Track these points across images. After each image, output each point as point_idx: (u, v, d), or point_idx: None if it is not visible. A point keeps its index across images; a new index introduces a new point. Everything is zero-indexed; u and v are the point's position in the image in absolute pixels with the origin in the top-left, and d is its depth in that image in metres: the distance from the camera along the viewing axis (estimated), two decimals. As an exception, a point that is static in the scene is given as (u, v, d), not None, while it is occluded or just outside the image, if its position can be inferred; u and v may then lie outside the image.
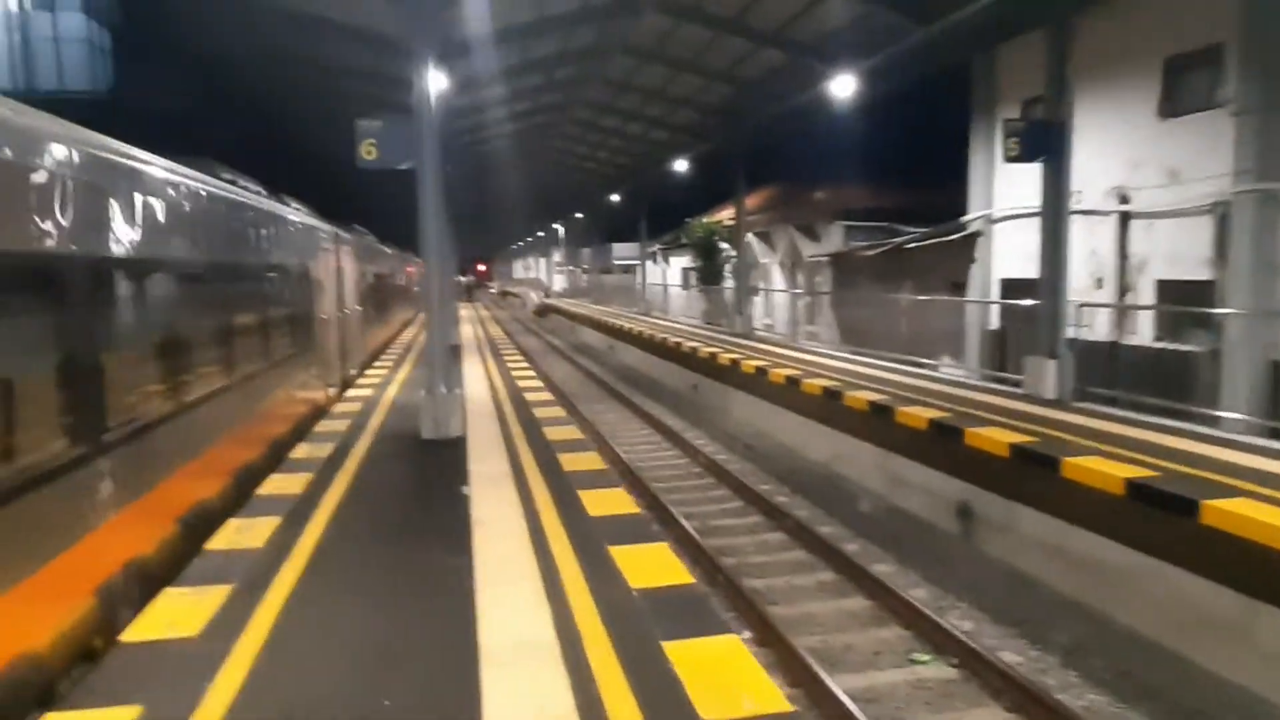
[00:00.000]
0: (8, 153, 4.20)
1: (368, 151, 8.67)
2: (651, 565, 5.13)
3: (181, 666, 3.94)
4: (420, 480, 7.68)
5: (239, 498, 7.08)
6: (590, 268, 58.79)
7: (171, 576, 5.20)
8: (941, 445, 9.59)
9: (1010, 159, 10.51)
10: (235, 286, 8.16)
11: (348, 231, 16.60)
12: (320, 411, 11.28)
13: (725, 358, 17.15)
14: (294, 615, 4.51)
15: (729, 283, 29.06)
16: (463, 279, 63.11)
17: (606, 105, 24.24)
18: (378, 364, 17.10)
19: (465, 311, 43.02)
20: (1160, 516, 6.70)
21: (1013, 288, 16.84)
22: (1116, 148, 14.14)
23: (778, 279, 29.32)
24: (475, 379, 14.85)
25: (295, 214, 11.66)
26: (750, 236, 26.46)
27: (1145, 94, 13.70)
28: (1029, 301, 12.20)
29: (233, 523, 6.15)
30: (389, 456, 8.50)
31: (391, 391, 12.96)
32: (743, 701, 3.52)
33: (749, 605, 7.67)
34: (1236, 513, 6.05)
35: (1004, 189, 17.28)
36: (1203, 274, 12.51)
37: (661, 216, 37.63)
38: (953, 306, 17.65)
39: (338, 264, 13.98)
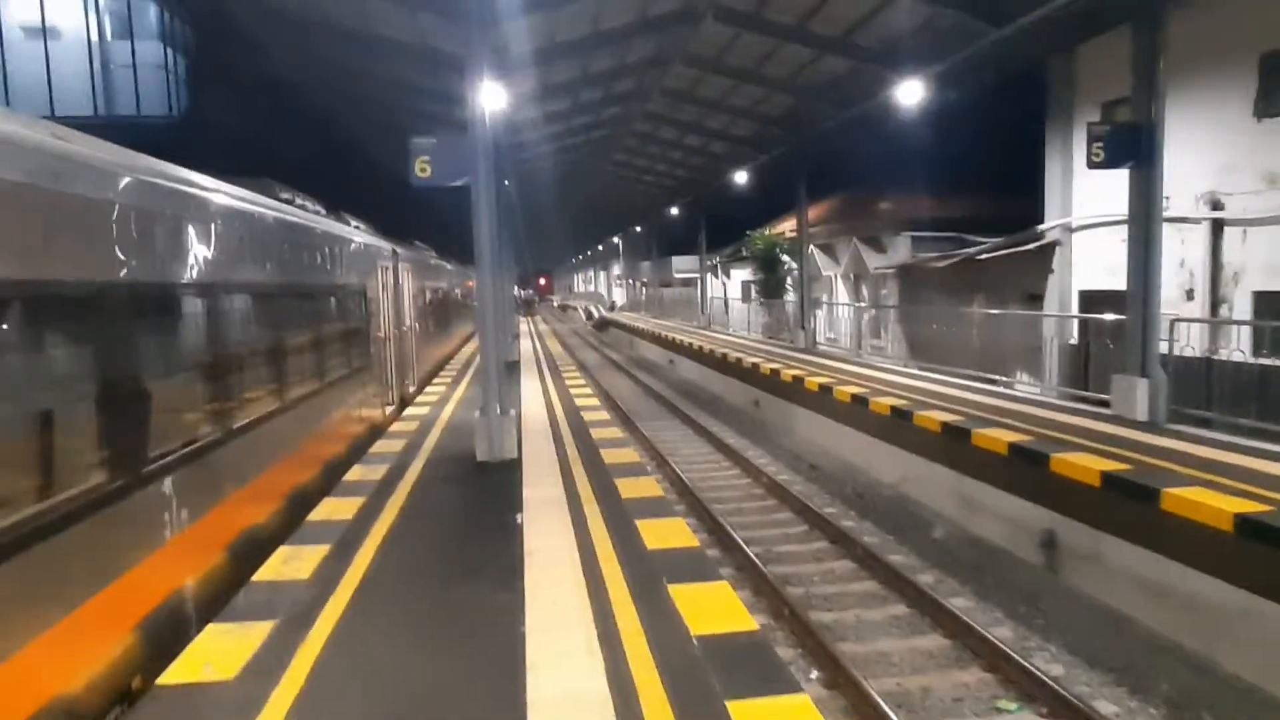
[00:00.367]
0: (72, 182, 4.22)
1: (421, 169, 8.53)
2: (713, 608, 4.76)
3: (215, 715, 3.72)
4: (472, 506, 7.44)
5: (291, 522, 6.95)
6: (649, 281, 58.60)
7: (218, 609, 5.06)
8: (1023, 470, 8.99)
9: (1095, 165, 9.85)
10: (290, 307, 8.09)
11: (407, 247, 16.65)
12: (377, 431, 11.20)
13: (788, 374, 16.66)
14: (334, 658, 4.27)
15: (790, 296, 28.45)
16: (523, 292, 63.67)
17: (665, 117, 23.99)
18: (437, 380, 17.08)
19: (524, 326, 43.29)
20: (1274, 556, 6.06)
21: (1093, 300, 15.98)
22: (1206, 150, 13.28)
23: (841, 292, 28.62)
24: (532, 395, 14.69)
25: (353, 232, 11.65)
26: (812, 248, 25.86)
27: (1239, 93, 12.82)
28: (1117, 316, 11.46)
29: (282, 551, 5.99)
30: (442, 480, 8.30)
31: (448, 410, 12.84)
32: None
33: (817, 642, 7.21)
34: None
35: (1082, 196, 16.45)
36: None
37: (721, 229, 37.19)
38: (1027, 320, 16.82)
39: (395, 281, 13.96)
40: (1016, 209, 18.76)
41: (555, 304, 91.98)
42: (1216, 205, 13.29)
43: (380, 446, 10.00)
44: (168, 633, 4.77)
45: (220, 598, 5.45)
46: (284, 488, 7.51)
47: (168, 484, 5.16)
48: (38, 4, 29.04)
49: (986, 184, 22.29)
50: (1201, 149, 13.31)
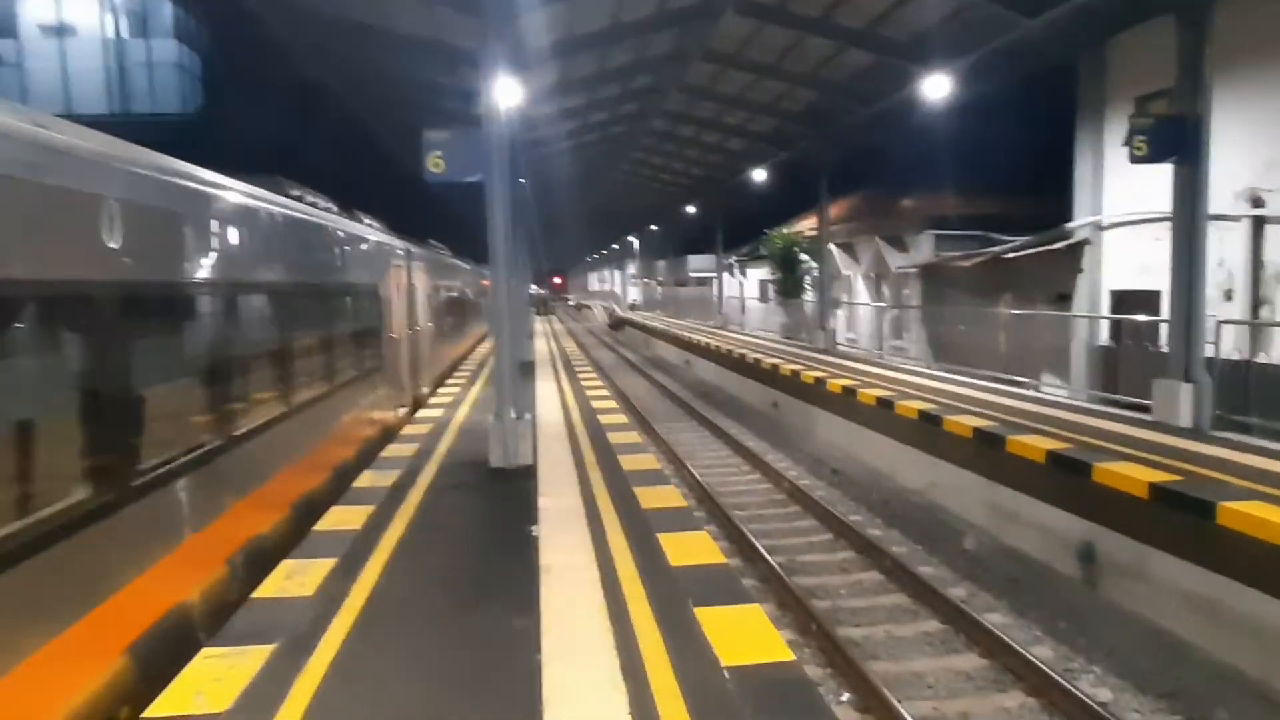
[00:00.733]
0: (58, 175, 3.96)
1: (434, 164, 8.24)
2: (744, 634, 4.40)
3: (204, 755, 3.41)
4: (486, 516, 7.11)
5: (298, 532, 6.65)
6: (665, 280, 58.23)
7: (216, 627, 4.77)
8: (1062, 480, 8.57)
9: (1138, 159, 9.40)
10: (298, 307, 7.80)
11: (422, 246, 16.38)
12: (389, 434, 10.91)
13: (809, 375, 16.26)
14: (335, 689, 3.94)
15: (809, 296, 28.00)
16: (539, 291, 63.47)
17: (683, 114, 23.61)
18: (451, 381, 16.80)
19: (540, 325, 43.06)
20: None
21: (1124, 301, 15.50)
22: (1246, 146, 12.75)
23: (861, 292, 28.15)
24: (547, 396, 14.37)
25: (365, 230, 11.37)
26: (831, 247, 25.42)
27: (1281, 86, 12.32)
28: (1156, 317, 11.00)
29: (285, 565, 5.69)
30: (454, 487, 7.98)
31: (462, 412, 12.54)
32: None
33: (847, 661, 6.85)
34: None
35: (1113, 194, 15.95)
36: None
37: (738, 228, 36.77)
38: (1055, 322, 16.33)
39: (409, 280, 13.68)
40: (1044, 207, 18.27)
41: (571, 303, 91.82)
42: (1257, 202, 12.78)
43: (392, 450, 9.71)
44: (160, 657, 4.47)
45: (223, 613, 5.17)
46: (291, 495, 7.22)
47: (164, 496, 4.88)
48: (54, 2, 29.05)
49: (1013, 181, 21.78)
50: (1241, 144, 12.79)
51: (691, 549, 5.84)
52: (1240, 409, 10.44)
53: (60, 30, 28.94)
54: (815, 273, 26.31)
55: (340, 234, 9.75)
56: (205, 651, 4.34)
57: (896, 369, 17.14)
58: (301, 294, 7.91)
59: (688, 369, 28.71)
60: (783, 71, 17.99)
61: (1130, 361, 13.67)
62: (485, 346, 25.33)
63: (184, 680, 4.03)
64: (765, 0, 14.62)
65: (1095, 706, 5.97)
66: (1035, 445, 9.01)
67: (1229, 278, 13.29)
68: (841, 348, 22.61)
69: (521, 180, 17.48)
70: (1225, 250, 13.24)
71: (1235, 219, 13.03)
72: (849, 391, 14.09)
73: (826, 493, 12.49)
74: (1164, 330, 11.62)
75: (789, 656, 4.14)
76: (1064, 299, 17.30)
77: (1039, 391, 14.23)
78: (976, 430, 10.14)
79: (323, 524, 6.70)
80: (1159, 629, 7.25)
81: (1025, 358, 15.52)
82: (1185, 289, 9.61)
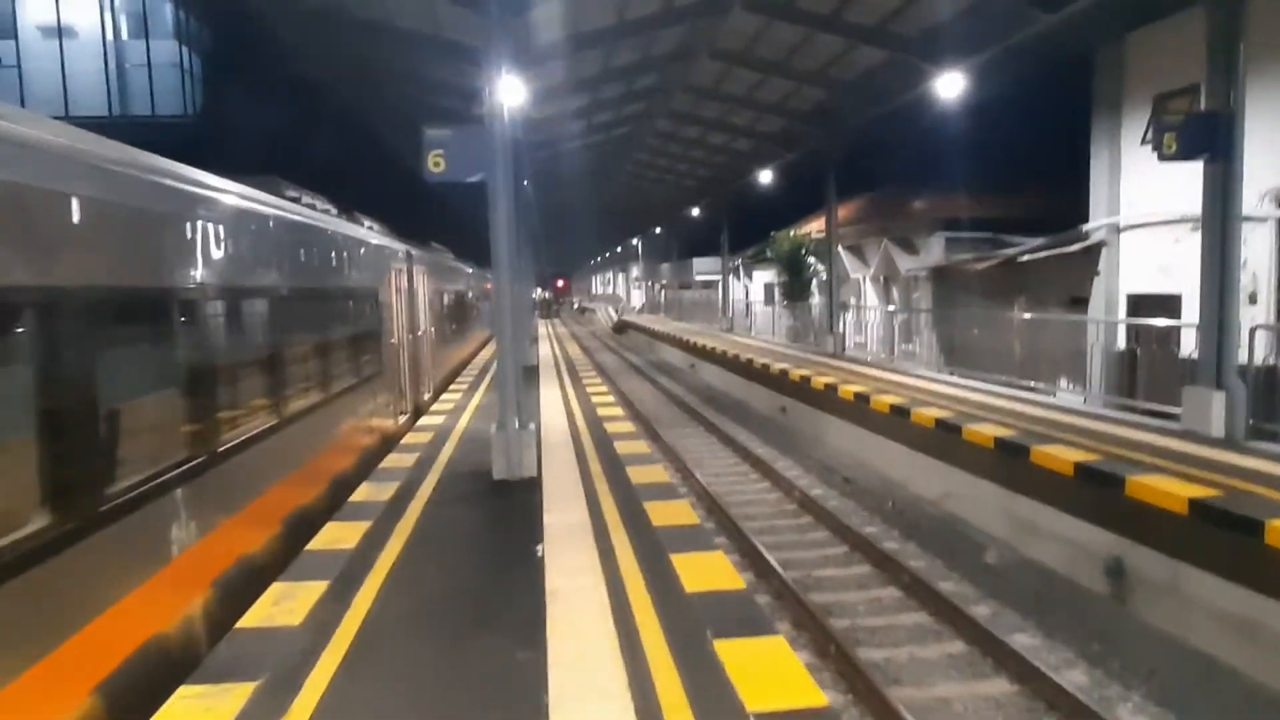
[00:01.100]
0: (36, 176, 3.71)
1: (435, 164, 7.86)
2: (769, 672, 4.03)
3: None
4: (488, 533, 6.76)
5: (290, 550, 6.31)
6: (669, 283, 57.87)
7: (198, 659, 4.43)
8: (1090, 492, 8.20)
9: (1167, 157, 9.03)
10: (294, 312, 7.45)
11: (423, 249, 16.05)
12: (389, 443, 10.57)
13: (819, 381, 15.89)
14: (322, 736, 3.60)
15: (816, 299, 27.60)
16: (543, 294, 63.17)
17: (689, 114, 23.27)
18: (453, 387, 16.46)
19: (543, 329, 42.75)
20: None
21: (1142, 304, 15.11)
22: (1272, 144, 12.36)
23: (869, 295, 27.76)
24: (551, 402, 14.03)
25: (365, 232, 11.04)
26: (839, 249, 25.04)
27: (1309, 83, 11.94)
28: (1182, 322, 10.61)
29: (274, 589, 5.33)
30: (455, 501, 7.63)
31: (465, 420, 12.19)
32: None
33: (869, 686, 6.48)
34: None
35: (1131, 194, 15.58)
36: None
37: (744, 230, 36.36)
38: (1071, 326, 15.94)
39: (410, 284, 13.34)
40: (1058, 208, 17.88)
41: (575, 306, 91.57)
42: (1284, 203, 12.41)
43: (391, 461, 9.36)
44: (133, 697, 4.12)
45: (206, 643, 4.83)
46: (284, 510, 6.87)
47: (141, 517, 4.53)
48: (54, 3, 28.79)
49: (1025, 182, 21.41)
50: (1266, 142, 12.37)
51: (707, 572, 5.48)
52: (1276, 418, 10.04)
53: (59, 31, 28.68)
54: (822, 275, 25.93)
55: (340, 236, 9.42)
56: (182, 690, 3.99)
57: (908, 374, 16.75)
58: (296, 298, 7.56)
59: (693, 373, 28.35)
60: (791, 70, 17.64)
61: (1148, 367, 13.28)
62: (488, 351, 24.99)
63: (159, 722, 3.68)
64: (774, -4, 14.30)
65: (1136, 738, 5.61)
66: (1062, 456, 8.63)
67: (1253, 280, 12.91)
68: (849, 352, 22.22)
69: (525, 182, 17.17)
70: (1249, 252, 12.83)
71: (1261, 220, 12.65)
72: (862, 398, 13.72)
73: (839, 502, 12.12)
74: (1185, 335, 11.24)
75: (822, 702, 3.76)
76: (1077, 302, 16.91)
77: (1055, 398, 13.84)
78: (998, 440, 9.77)
79: (316, 542, 6.35)
80: (1197, 650, 6.86)
81: (1039, 362, 15.13)
82: (1216, 292, 9.22)
